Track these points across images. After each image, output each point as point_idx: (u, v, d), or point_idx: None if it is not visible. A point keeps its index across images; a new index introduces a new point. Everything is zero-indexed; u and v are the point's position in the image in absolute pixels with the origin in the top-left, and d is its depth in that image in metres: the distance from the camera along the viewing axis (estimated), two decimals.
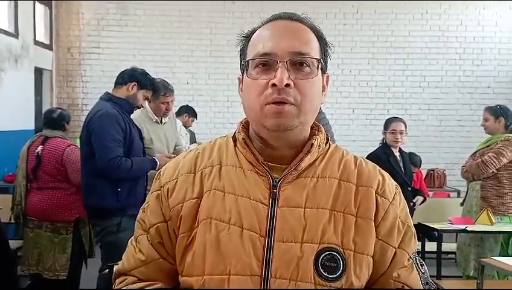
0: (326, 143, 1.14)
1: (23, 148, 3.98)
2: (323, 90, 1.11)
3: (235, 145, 1.13)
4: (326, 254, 1.02)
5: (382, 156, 4.15)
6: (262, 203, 1.05)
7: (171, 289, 1.12)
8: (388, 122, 4.35)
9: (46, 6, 7.43)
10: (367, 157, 1.26)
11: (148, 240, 1.12)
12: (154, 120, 3.79)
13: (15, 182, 4.08)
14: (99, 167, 3.15)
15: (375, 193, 1.08)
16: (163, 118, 3.85)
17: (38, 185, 3.86)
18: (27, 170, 3.89)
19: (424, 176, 6.56)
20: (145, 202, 1.17)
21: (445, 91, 7.91)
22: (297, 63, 1.04)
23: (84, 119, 3.42)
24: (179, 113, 5.89)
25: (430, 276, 1.16)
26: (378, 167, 1.15)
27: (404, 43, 7.84)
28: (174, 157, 1.25)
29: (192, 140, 6.07)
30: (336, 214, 1.05)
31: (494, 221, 4.09)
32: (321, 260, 1.01)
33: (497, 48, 7.89)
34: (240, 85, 1.13)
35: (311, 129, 1.12)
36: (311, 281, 1.00)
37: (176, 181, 1.11)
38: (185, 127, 5.88)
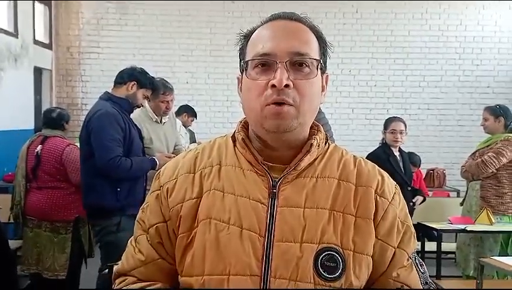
0: (325, 143, 1.14)
1: (22, 148, 3.98)
2: (322, 90, 1.11)
3: (235, 145, 1.13)
4: (326, 254, 1.02)
5: (382, 156, 4.15)
6: (262, 203, 1.05)
7: (171, 289, 1.12)
8: (388, 122, 4.35)
9: (45, 6, 7.43)
10: (367, 157, 1.26)
11: (148, 240, 1.12)
12: (154, 119, 3.78)
13: (14, 181, 4.08)
14: (98, 166, 3.15)
15: (375, 193, 1.08)
16: (163, 118, 3.84)
17: (37, 185, 3.86)
18: (26, 169, 3.89)
19: (423, 176, 6.56)
20: (145, 202, 1.17)
21: (445, 91, 7.92)
22: (297, 63, 1.04)
23: (83, 119, 3.42)
24: (178, 113, 5.89)
25: (430, 276, 1.16)
26: (377, 167, 1.15)
27: (404, 43, 7.85)
28: (174, 157, 1.25)
29: (192, 140, 6.06)
30: (335, 214, 1.05)
31: (493, 221, 4.09)
32: (321, 260, 1.01)
33: (496, 47, 7.89)
34: (239, 85, 1.13)
35: (310, 129, 1.12)
36: (311, 281, 1.00)
37: (176, 181, 1.11)
38: (185, 126, 5.87)
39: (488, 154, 4.23)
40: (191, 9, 7.68)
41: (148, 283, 1.11)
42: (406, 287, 1.08)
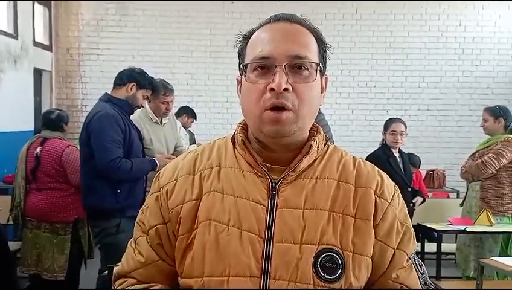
0: (325, 144, 1.14)
1: (22, 149, 3.98)
2: (322, 92, 1.11)
3: (234, 147, 1.13)
4: (325, 255, 1.02)
5: (382, 157, 4.15)
6: (261, 204, 1.05)
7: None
8: (388, 123, 4.35)
9: (45, 7, 7.42)
10: (367, 158, 1.26)
11: (148, 242, 1.12)
12: (154, 121, 3.78)
13: (14, 183, 4.09)
14: (99, 168, 3.15)
15: (374, 194, 1.08)
16: (163, 119, 3.84)
17: (37, 186, 3.86)
18: (26, 171, 3.89)
19: (423, 177, 6.56)
20: (145, 204, 1.17)
21: (445, 92, 7.91)
22: (296, 66, 1.04)
23: (83, 120, 3.42)
24: (178, 114, 5.89)
25: (430, 277, 1.16)
26: (376, 168, 1.15)
27: (403, 44, 7.85)
28: (174, 158, 1.25)
29: (192, 141, 6.06)
30: (334, 215, 1.05)
31: (493, 222, 4.09)
32: (320, 261, 1.01)
33: (496, 48, 7.89)
34: (238, 86, 1.13)
35: (310, 130, 1.12)
36: (310, 282, 1.00)
37: (175, 183, 1.11)
38: (184, 128, 5.87)
39: (488, 155, 4.23)
40: (190, 10, 7.68)
41: (148, 284, 1.11)
42: (405, 287, 1.08)
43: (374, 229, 1.06)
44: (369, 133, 7.57)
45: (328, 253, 1.02)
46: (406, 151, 4.60)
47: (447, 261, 5.01)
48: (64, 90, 7.80)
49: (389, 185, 1.12)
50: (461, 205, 4.65)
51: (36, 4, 7.04)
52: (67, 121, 4.05)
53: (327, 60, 1.12)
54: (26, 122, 6.51)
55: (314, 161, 1.10)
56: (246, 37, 1.11)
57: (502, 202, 4.27)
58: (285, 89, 1.01)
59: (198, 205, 1.07)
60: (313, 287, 1.00)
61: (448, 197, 6.77)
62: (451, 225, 4.24)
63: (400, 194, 1.14)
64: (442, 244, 4.28)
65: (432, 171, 6.94)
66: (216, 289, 1.02)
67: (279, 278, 1.00)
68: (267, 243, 1.02)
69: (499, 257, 3.95)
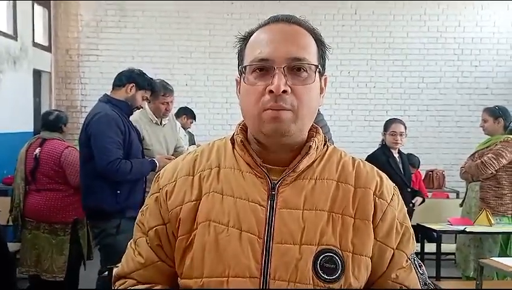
0: (324, 145, 1.14)
1: (21, 150, 3.98)
2: (321, 92, 1.11)
3: (234, 148, 1.13)
4: (325, 256, 1.02)
5: (381, 158, 4.15)
6: (261, 205, 1.05)
7: None
8: (388, 124, 4.35)
9: (44, 8, 7.42)
10: (366, 159, 1.27)
11: (147, 243, 1.12)
12: (153, 121, 3.78)
13: (14, 184, 4.09)
14: (98, 169, 3.15)
15: (373, 195, 1.09)
16: (162, 120, 3.84)
17: (36, 187, 3.86)
18: (25, 172, 3.89)
19: (423, 177, 6.56)
20: (144, 205, 1.17)
21: (444, 92, 7.92)
22: (295, 68, 1.04)
23: (83, 121, 3.42)
24: (177, 115, 5.89)
25: (430, 277, 1.16)
26: (376, 168, 1.15)
27: (403, 44, 7.85)
28: (174, 159, 1.25)
29: (191, 142, 6.06)
30: (334, 215, 1.05)
31: (493, 222, 4.10)
32: (320, 262, 1.02)
33: (495, 48, 7.89)
34: (237, 87, 1.13)
35: (309, 131, 1.12)
36: (310, 283, 1.01)
37: (175, 184, 1.12)
38: (184, 128, 5.87)
39: (488, 155, 4.23)
40: (190, 10, 7.68)
41: (148, 285, 1.11)
42: (404, 288, 1.08)
43: (373, 229, 1.06)
44: (368, 134, 7.57)
45: (327, 253, 1.02)
46: (405, 151, 4.61)
47: (446, 262, 5.02)
48: (63, 91, 7.79)
49: (389, 185, 1.12)
50: (461, 205, 4.66)
51: (35, 5, 7.04)
52: (66, 122, 4.05)
53: (326, 60, 1.12)
54: (25, 123, 6.50)
55: (314, 161, 1.10)
56: (245, 38, 1.11)
57: (502, 202, 4.27)
58: (284, 91, 1.02)
59: (197, 206, 1.08)
60: (312, 288, 1.00)
61: (447, 197, 6.78)
62: (451, 225, 4.24)
63: (399, 195, 1.14)
64: (441, 244, 4.28)
65: (432, 171, 6.94)
66: (216, 289, 1.02)
67: (279, 279, 1.00)
68: (266, 244, 1.02)
69: (498, 257, 3.95)
